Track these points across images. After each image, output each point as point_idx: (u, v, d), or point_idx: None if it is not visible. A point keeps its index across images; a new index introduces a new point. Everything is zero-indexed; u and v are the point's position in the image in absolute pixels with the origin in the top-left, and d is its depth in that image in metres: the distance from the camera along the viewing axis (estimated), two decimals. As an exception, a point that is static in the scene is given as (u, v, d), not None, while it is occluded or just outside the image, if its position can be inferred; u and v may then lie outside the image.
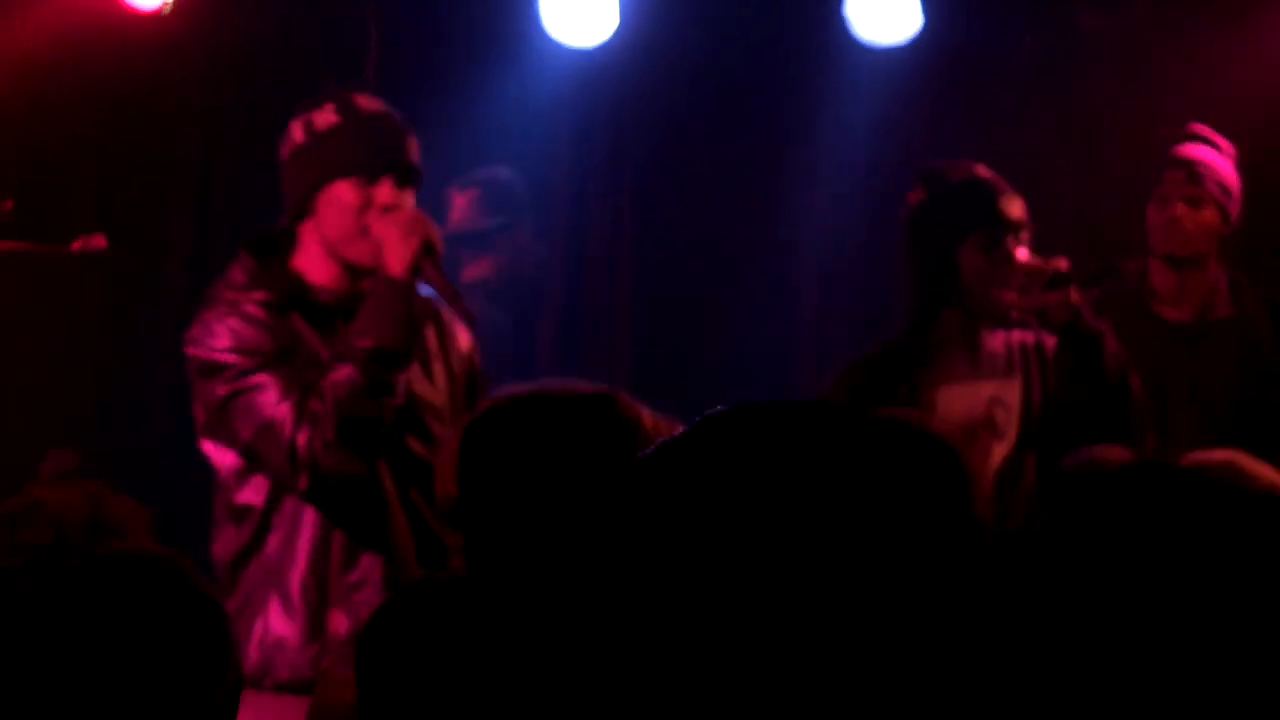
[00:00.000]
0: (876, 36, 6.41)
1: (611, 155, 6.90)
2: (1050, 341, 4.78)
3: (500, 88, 6.53)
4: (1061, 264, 4.64)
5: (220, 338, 4.08)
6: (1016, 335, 4.81)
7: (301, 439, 3.97)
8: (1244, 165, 5.36)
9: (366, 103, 4.22)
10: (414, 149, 4.19)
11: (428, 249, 4.09)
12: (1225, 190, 5.26)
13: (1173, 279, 5.30)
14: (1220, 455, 3.39)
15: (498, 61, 6.59)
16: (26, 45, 5.82)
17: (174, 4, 5.96)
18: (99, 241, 5.83)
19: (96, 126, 6.29)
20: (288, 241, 4.19)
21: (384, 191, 4.11)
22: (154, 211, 6.41)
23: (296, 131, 4.21)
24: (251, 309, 4.09)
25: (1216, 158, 5.31)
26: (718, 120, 6.85)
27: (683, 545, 1.38)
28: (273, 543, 4.10)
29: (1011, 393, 4.74)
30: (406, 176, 4.16)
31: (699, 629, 1.37)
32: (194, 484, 4.61)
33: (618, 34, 6.41)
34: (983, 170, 4.81)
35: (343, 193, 4.12)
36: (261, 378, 4.04)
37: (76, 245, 5.82)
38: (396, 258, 4.07)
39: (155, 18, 6.10)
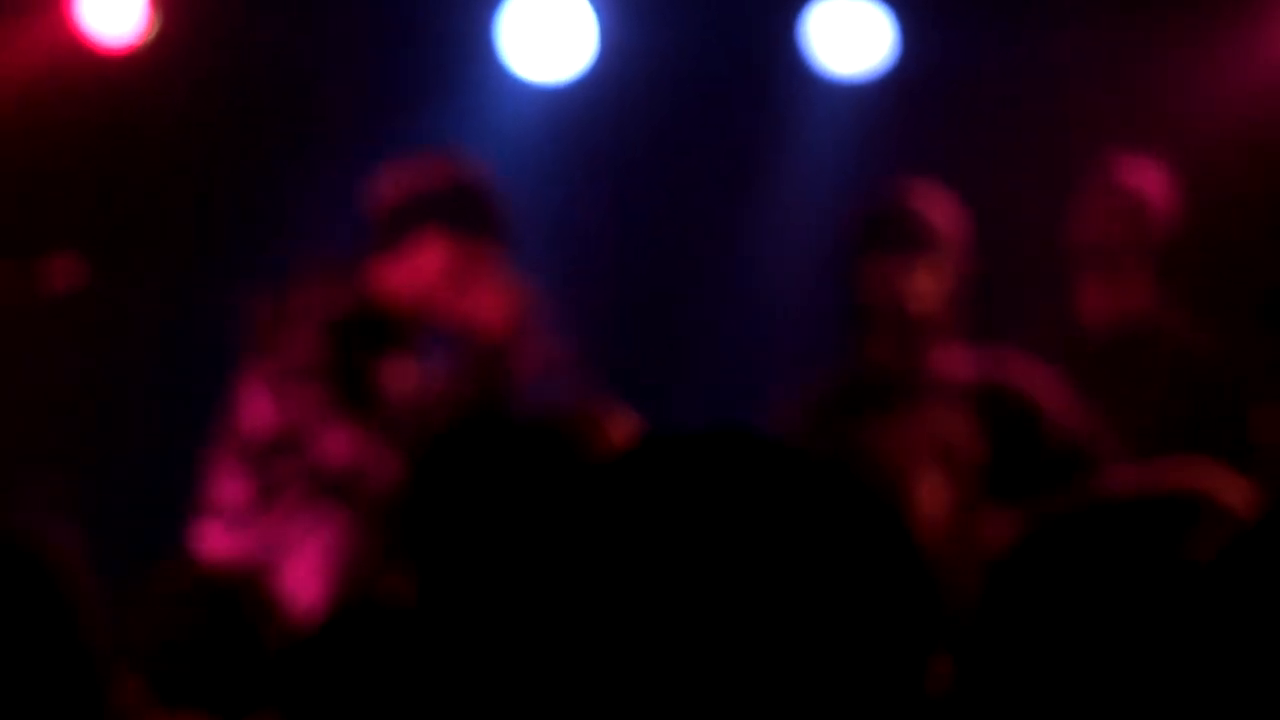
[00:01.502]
0: (842, 70, 6.43)
1: (575, 191, 6.88)
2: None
3: (462, 122, 6.52)
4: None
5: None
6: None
7: None
8: (1218, 177, 5.37)
9: (472, 169, 4.24)
10: (503, 224, 4.21)
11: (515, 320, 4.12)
12: (1145, 198, 5.27)
13: (1102, 293, 5.28)
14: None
15: (457, 95, 6.59)
16: (6, 74, 5.86)
17: (152, 38, 5.99)
18: (74, 265, 5.85)
19: (78, 154, 6.31)
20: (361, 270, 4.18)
21: (479, 252, 4.13)
22: (136, 241, 6.42)
23: (403, 176, 4.22)
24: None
25: (1152, 176, 5.36)
26: (682, 155, 6.84)
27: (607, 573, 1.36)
28: None
29: (957, 430, 4.65)
30: (499, 242, 4.18)
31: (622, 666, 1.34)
32: (178, 498, 4.59)
33: (582, 70, 6.41)
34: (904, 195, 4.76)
35: (432, 245, 4.12)
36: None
37: (54, 268, 5.85)
38: (485, 315, 4.07)
39: (131, 54, 6.13)
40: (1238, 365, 5.13)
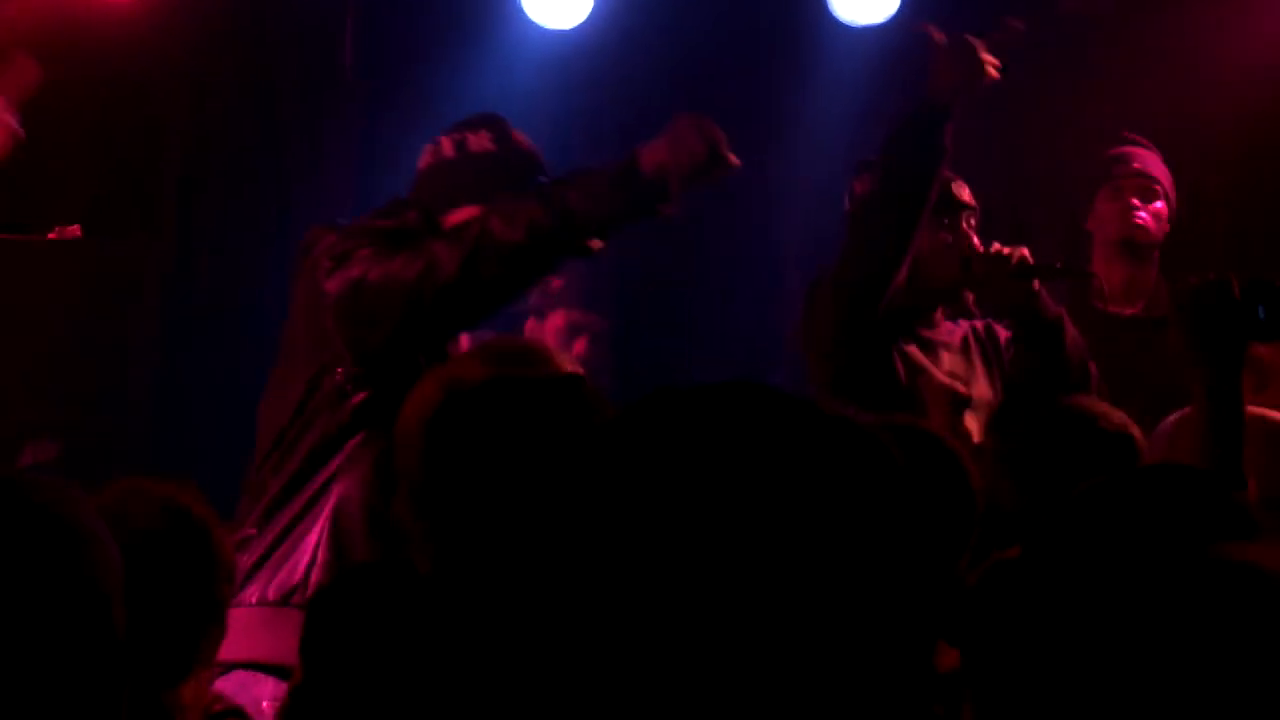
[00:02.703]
0: (855, 16, 6.41)
1: (589, 136, 6.88)
2: (1002, 331, 4.74)
3: (477, 69, 6.51)
4: (1023, 251, 4.60)
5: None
6: (964, 324, 4.77)
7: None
8: (1230, 143, 5.37)
9: (519, 137, 4.20)
10: None
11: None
12: (1167, 188, 5.32)
13: (1122, 273, 5.31)
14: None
15: (474, 43, 6.57)
16: (6, 35, 5.79)
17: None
18: (74, 231, 5.80)
19: (79, 115, 6.26)
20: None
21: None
22: (138, 201, 6.39)
23: (446, 145, 4.20)
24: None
25: (1156, 158, 5.40)
26: (696, 102, 6.82)
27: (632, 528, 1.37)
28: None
29: (977, 384, 4.68)
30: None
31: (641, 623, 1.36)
32: (176, 470, 4.58)
33: (595, 15, 6.41)
34: None
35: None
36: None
37: (52, 234, 5.80)
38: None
39: (134, 6, 6.08)
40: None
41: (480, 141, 4.16)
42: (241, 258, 6.38)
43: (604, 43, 6.61)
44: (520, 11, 6.40)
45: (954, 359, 4.68)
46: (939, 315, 4.74)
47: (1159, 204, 5.33)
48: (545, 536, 1.40)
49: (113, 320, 5.90)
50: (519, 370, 2.60)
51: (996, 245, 4.63)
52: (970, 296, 4.76)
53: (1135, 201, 5.30)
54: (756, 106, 6.81)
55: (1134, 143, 5.43)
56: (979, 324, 4.78)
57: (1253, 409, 3.28)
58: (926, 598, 1.39)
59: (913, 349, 4.64)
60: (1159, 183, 5.34)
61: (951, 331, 4.75)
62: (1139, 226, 5.29)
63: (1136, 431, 3.61)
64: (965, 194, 4.70)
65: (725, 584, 1.34)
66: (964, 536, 3.09)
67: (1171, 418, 3.39)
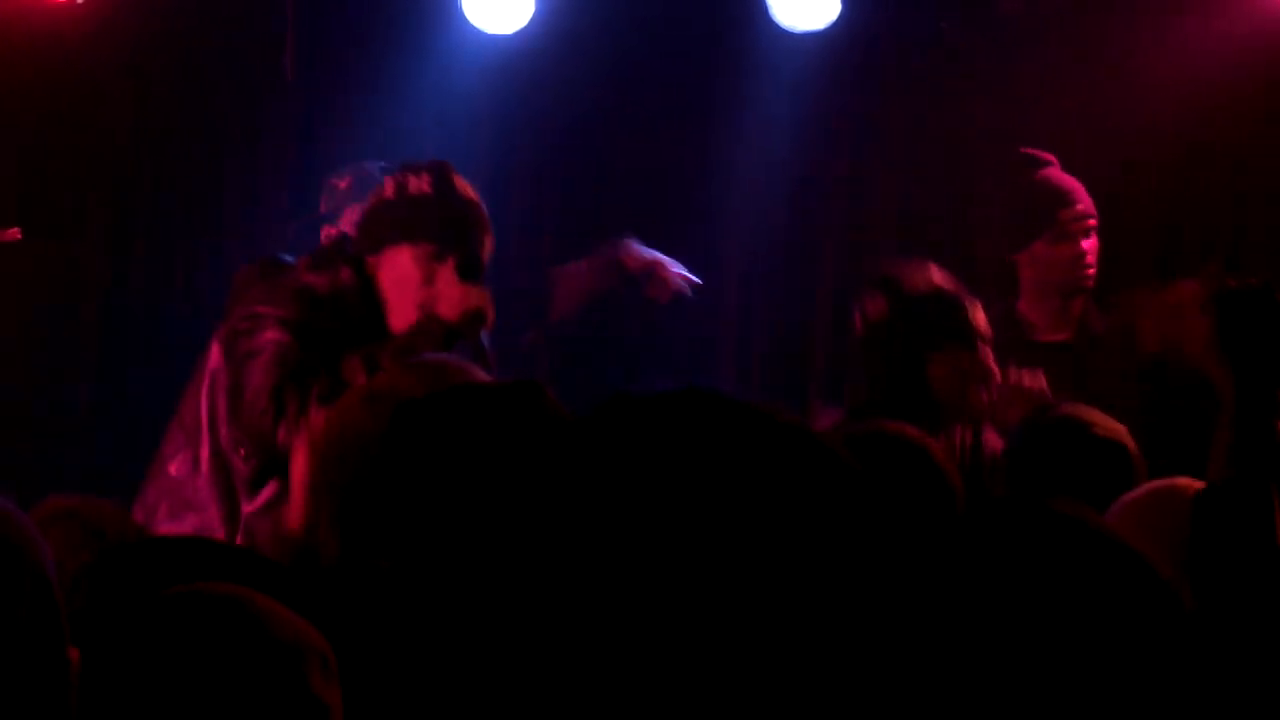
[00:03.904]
0: (796, 22, 6.41)
1: (531, 142, 6.88)
2: (993, 441, 4.71)
3: (418, 73, 6.50)
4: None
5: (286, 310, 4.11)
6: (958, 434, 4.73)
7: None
8: (1180, 146, 5.33)
9: (461, 185, 4.25)
10: (486, 244, 4.23)
11: (479, 316, 4.18)
12: (1094, 212, 5.28)
13: (1054, 304, 5.28)
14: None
15: (416, 48, 6.56)
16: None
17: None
18: (13, 234, 5.77)
19: (15, 116, 6.23)
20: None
21: (446, 273, 4.15)
22: (75, 200, 6.35)
23: (388, 185, 4.25)
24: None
25: (1073, 180, 5.32)
26: (638, 106, 6.84)
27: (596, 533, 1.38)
28: None
29: None
30: (471, 269, 4.20)
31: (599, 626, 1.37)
32: (119, 471, 4.58)
33: (537, 20, 6.41)
34: (940, 276, 4.70)
35: (406, 258, 4.16)
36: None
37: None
38: (451, 307, 4.11)
39: (73, 6, 6.05)
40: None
41: (420, 185, 4.21)
42: (178, 259, 6.35)
43: (545, 47, 6.60)
44: (461, 16, 6.39)
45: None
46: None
47: (1096, 237, 5.26)
48: (508, 545, 1.41)
49: (52, 322, 5.88)
50: (461, 381, 2.59)
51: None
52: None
53: (1085, 247, 5.22)
54: (697, 112, 6.82)
55: (1047, 164, 5.33)
56: (969, 435, 4.72)
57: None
58: (887, 599, 1.39)
59: None
60: (1090, 214, 5.25)
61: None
62: (1089, 276, 5.26)
63: (1130, 441, 3.62)
64: (981, 320, 4.63)
65: (679, 587, 1.35)
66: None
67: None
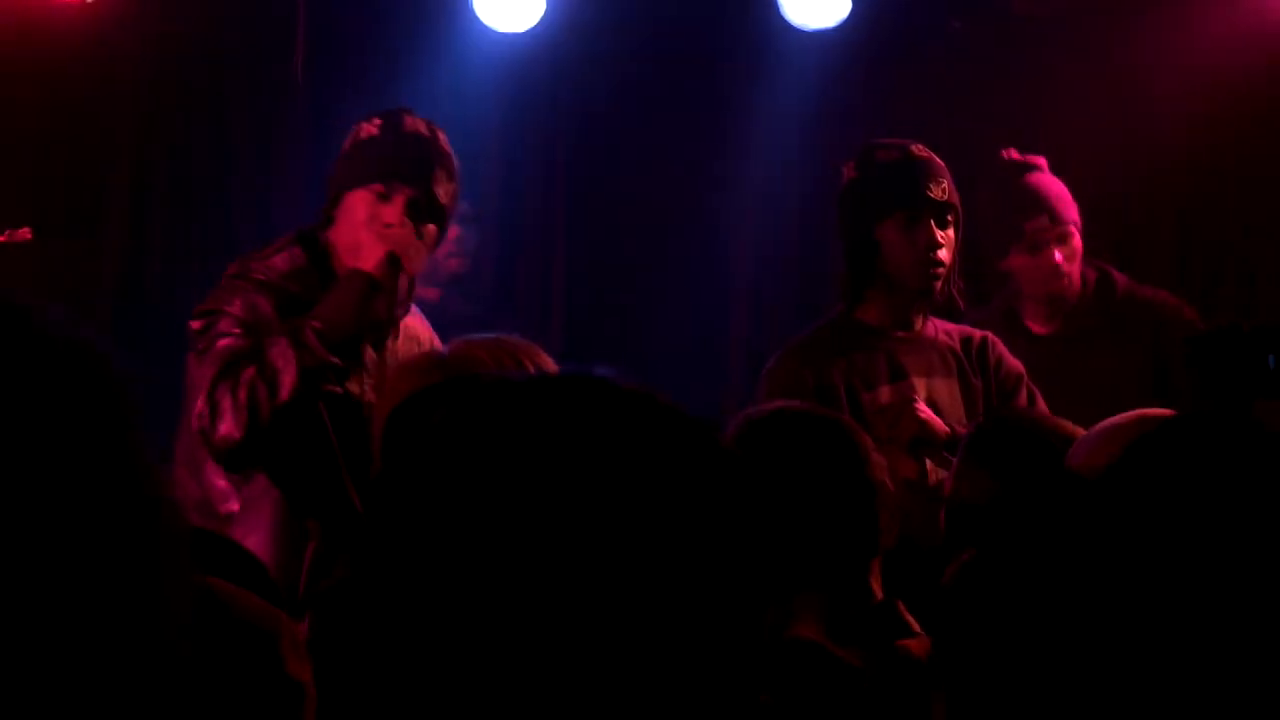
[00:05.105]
0: (807, 20, 6.42)
1: (543, 140, 6.89)
2: (991, 339, 4.68)
3: (430, 73, 6.51)
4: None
5: (235, 306, 4.10)
6: (944, 329, 4.68)
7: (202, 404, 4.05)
8: (1191, 136, 5.31)
9: (411, 123, 4.22)
10: (439, 180, 4.19)
11: (394, 260, 4.12)
12: (1074, 217, 5.22)
13: (1044, 309, 5.29)
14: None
15: (427, 47, 6.57)
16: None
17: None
18: (25, 234, 5.78)
19: (29, 118, 6.24)
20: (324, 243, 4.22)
21: (392, 210, 4.12)
22: (88, 204, 6.36)
23: (348, 138, 4.24)
24: (272, 294, 4.12)
25: (1054, 182, 5.26)
26: (649, 104, 6.85)
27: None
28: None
29: (945, 389, 4.59)
30: (419, 205, 4.15)
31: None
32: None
33: (548, 18, 6.41)
34: (919, 149, 4.64)
35: (357, 202, 4.15)
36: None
37: (3, 237, 5.78)
38: (367, 257, 4.09)
39: (85, 6, 6.06)
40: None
41: (370, 129, 4.21)
42: (191, 261, 6.36)
43: (556, 46, 6.61)
44: (473, 15, 6.40)
45: (933, 382, 4.60)
46: (917, 320, 4.65)
47: (1074, 240, 5.22)
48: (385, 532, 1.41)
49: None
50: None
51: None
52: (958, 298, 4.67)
53: (1058, 257, 5.19)
54: (707, 110, 6.82)
55: (1032, 167, 5.28)
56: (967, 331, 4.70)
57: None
58: (760, 585, 1.39)
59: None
60: (1070, 220, 5.20)
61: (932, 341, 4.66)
62: (1065, 284, 5.23)
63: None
64: (938, 192, 4.55)
65: (542, 573, 1.35)
66: (858, 522, 3.11)
67: (1104, 424, 3.36)
